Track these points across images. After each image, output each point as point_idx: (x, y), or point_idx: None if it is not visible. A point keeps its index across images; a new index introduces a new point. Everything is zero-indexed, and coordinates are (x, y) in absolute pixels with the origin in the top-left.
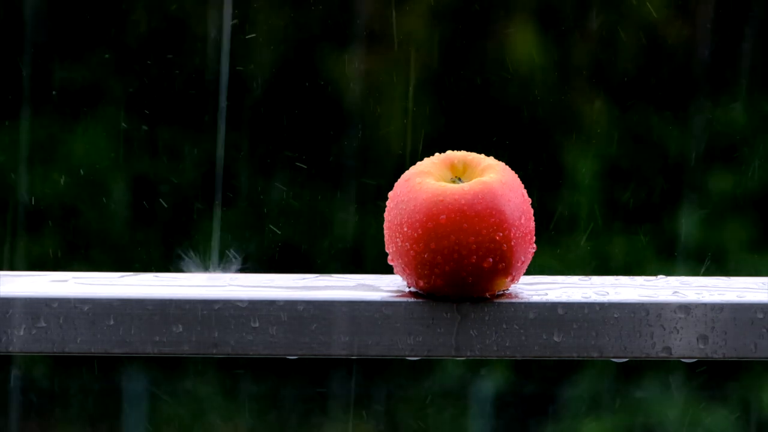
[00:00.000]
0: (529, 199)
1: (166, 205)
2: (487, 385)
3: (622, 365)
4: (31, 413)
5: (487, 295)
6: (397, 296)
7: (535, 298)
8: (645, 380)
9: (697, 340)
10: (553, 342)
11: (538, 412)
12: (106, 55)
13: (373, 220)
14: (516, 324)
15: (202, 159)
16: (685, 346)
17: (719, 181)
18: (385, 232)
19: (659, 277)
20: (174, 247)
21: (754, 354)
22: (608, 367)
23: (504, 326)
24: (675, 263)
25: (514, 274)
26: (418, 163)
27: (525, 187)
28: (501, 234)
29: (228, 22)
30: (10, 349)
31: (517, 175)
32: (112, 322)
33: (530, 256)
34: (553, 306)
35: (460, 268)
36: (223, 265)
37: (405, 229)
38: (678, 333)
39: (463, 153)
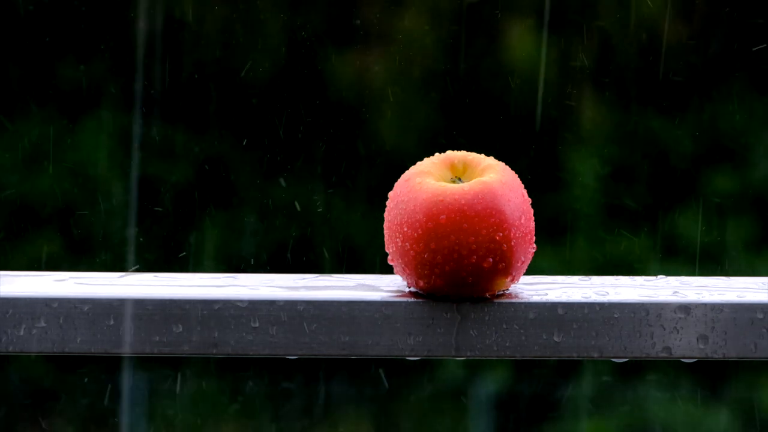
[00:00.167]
0: (529, 199)
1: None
2: (487, 385)
3: (622, 365)
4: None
5: (487, 295)
6: (397, 296)
7: (535, 298)
8: (645, 380)
9: (697, 340)
10: (553, 342)
11: (538, 412)
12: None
13: (373, 220)
14: (516, 324)
15: (203, 159)
16: (685, 346)
17: (719, 181)
18: (385, 232)
19: (659, 277)
20: (174, 247)
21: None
22: (608, 367)
23: (504, 326)
24: (675, 263)
25: (514, 274)
26: (418, 163)
27: (525, 188)
28: (501, 234)
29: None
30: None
31: (517, 175)
32: (112, 322)
33: (530, 256)
34: (553, 306)
35: (460, 268)
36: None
37: (405, 229)
38: (678, 333)
39: (463, 153)
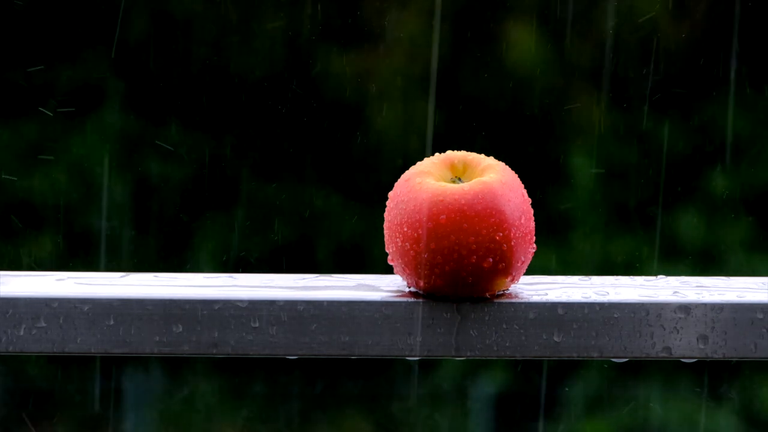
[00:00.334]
0: (529, 199)
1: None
2: (487, 385)
3: (621, 365)
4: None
5: (487, 295)
6: (397, 296)
7: (535, 298)
8: (645, 380)
9: (697, 340)
10: (553, 342)
11: (537, 412)
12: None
13: (373, 220)
14: (516, 324)
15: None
16: (685, 346)
17: (719, 180)
18: (385, 232)
19: (659, 277)
20: (174, 247)
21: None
22: (608, 366)
23: (504, 326)
24: (675, 263)
25: (514, 274)
26: (418, 163)
27: (525, 187)
28: (501, 234)
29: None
30: (10, 349)
31: (517, 175)
32: (112, 322)
33: (530, 256)
34: (553, 306)
35: (460, 268)
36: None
37: (405, 229)
38: (678, 333)
39: (463, 153)
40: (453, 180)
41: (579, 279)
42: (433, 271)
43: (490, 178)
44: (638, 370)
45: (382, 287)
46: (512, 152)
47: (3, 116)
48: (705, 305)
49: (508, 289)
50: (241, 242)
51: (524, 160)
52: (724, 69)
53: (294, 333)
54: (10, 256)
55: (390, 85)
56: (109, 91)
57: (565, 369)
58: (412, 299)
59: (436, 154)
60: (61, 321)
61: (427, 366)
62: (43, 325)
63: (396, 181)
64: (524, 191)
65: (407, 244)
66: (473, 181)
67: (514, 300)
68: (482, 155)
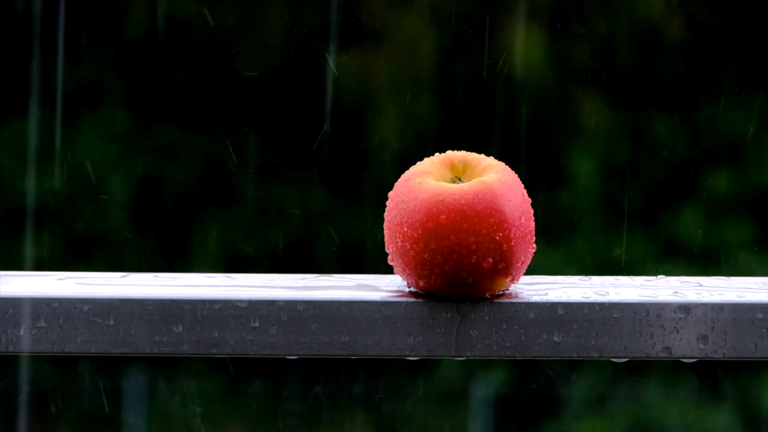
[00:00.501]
0: (529, 199)
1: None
2: (487, 385)
3: (621, 365)
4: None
5: (487, 295)
6: (397, 296)
7: (535, 298)
8: (645, 380)
9: (697, 340)
10: (553, 342)
11: (537, 412)
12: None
13: (373, 220)
14: (516, 324)
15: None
16: (685, 346)
17: (719, 180)
18: (385, 232)
19: (659, 277)
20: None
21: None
22: (608, 367)
23: (504, 326)
24: (675, 263)
25: (514, 274)
26: (418, 163)
27: (525, 187)
28: (501, 234)
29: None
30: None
31: (517, 175)
32: (112, 322)
33: (530, 256)
34: (553, 306)
35: (460, 268)
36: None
37: (405, 229)
38: (678, 333)
39: (463, 153)
40: (453, 180)
41: (579, 279)
42: (433, 271)
43: (490, 178)
44: (638, 370)
45: (382, 287)
46: (512, 152)
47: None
48: (705, 305)
49: (508, 289)
50: (241, 242)
51: (524, 160)
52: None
53: (294, 333)
54: (11, 256)
55: (390, 84)
56: (110, 90)
57: (565, 369)
58: (412, 299)
59: (436, 154)
60: (61, 321)
61: (427, 366)
62: (43, 325)
63: (396, 181)
64: (524, 191)
65: (407, 244)
66: (473, 181)
67: (514, 300)
68: (482, 155)
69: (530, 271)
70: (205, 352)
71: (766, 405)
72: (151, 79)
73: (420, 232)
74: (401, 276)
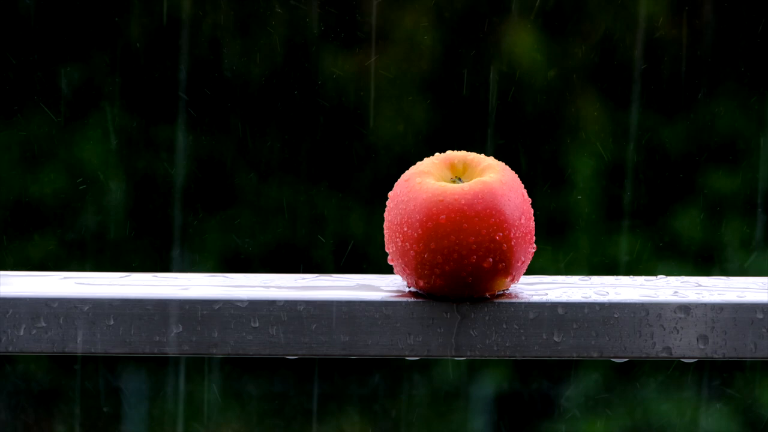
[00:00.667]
0: (529, 199)
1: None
2: (487, 385)
3: (621, 365)
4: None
5: (487, 295)
6: (397, 296)
7: (535, 298)
8: (645, 380)
9: (697, 340)
10: (553, 342)
11: (537, 412)
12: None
13: (373, 220)
14: (516, 324)
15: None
16: (685, 346)
17: (719, 180)
18: (385, 232)
19: (659, 277)
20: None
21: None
22: (608, 367)
23: (504, 326)
24: (675, 263)
25: (514, 274)
26: (418, 163)
27: (525, 187)
28: (501, 234)
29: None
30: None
31: (517, 175)
32: (112, 322)
33: (530, 256)
34: (553, 306)
35: (460, 268)
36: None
37: (405, 229)
38: (678, 333)
39: (463, 153)
40: (453, 180)
41: (579, 279)
42: (433, 271)
43: (490, 178)
44: (638, 370)
45: (382, 287)
46: (512, 152)
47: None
48: (705, 305)
49: (508, 289)
50: (241, 242)
51: (524, 160)
52: (725, 68)
53: (294, 333)
54: (11, 256)
55: (390, 84)
56: (110, 90)
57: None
58: (412, 299)
59: (436, 154)
60: (61, 321)
61: (427, 366)
62: (43, 325)
63: (396, 181)
64: (524, 191)
65: (407, 244)
66: (473, 181)
67: (514, 300)
68: (482, 155)
69: (530, 271)
70: (205, 352)
71: (766, 405)
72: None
73: (420, 232)
74: (401, 276)
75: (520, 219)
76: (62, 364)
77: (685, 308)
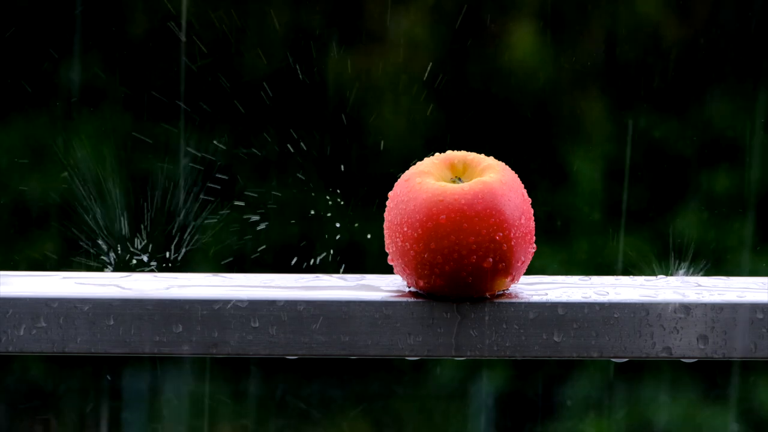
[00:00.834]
0: (529, 199)
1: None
2: (487, 385)
3: (622, 365)
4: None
5: (487, 295)
6: (397, 296)
7: (535, 298)
8: (645, 380)
9: (697, 340)
10: (553, 342)
11: (538, 412)
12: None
13: (373, 220)
14: (516, 324)
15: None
16: (685, 346)
17: (720, 180)
18: (385, 232)
19: (659, 277)
20: (174, 247)
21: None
22: (608, 367)
23: (504, 326)
24: (675, 263)
25: (514, 274)
26: (418, 163)
27: (525, 188)
28: (501, 234)
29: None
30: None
31: (517, 175)
32: (112, 322)
33: (530, 256)
34: (553, 306)
35: (460, 268)
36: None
37: (405, 229)
38: (678, 333)
39: (463, 153)
40: (453, 180)
41: (579, 279)
42: (433, 271)
43: (490, 178)
44: (638, 370)
45: (382, 287)
46: (512, 152)
47: (3, 115)
48: (705, 305)
49: (508, 289)
50: (240, 242)
51: (525, 160)
52: (725, 68)
53: (294, 333)
54: (11, 256)
55: (390, 84)
56: (110, 90)
57: (565, 369)
58: (412, 299)
59: (436, 154)
60: (61, 321)
61: (427, 366)
62: (43, 325)
63: (396, 181)
64: (524, 191)
65: (407, 244)
66: (473, 181)
67: (514, 300)
68: (482, 155)
69: (530, 271)
70: (205, 352)
71: (766, 405)
72: (151, 78)
73: (420, 232)
74: (401, 276)
75: (520, 219)
76: (62, 364)
77: (685, 308)
